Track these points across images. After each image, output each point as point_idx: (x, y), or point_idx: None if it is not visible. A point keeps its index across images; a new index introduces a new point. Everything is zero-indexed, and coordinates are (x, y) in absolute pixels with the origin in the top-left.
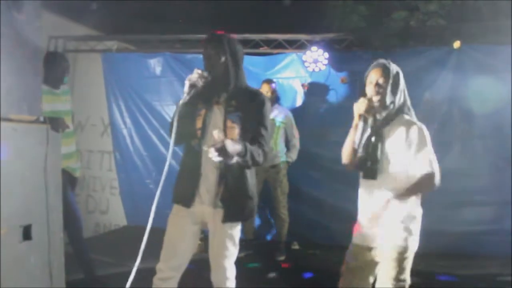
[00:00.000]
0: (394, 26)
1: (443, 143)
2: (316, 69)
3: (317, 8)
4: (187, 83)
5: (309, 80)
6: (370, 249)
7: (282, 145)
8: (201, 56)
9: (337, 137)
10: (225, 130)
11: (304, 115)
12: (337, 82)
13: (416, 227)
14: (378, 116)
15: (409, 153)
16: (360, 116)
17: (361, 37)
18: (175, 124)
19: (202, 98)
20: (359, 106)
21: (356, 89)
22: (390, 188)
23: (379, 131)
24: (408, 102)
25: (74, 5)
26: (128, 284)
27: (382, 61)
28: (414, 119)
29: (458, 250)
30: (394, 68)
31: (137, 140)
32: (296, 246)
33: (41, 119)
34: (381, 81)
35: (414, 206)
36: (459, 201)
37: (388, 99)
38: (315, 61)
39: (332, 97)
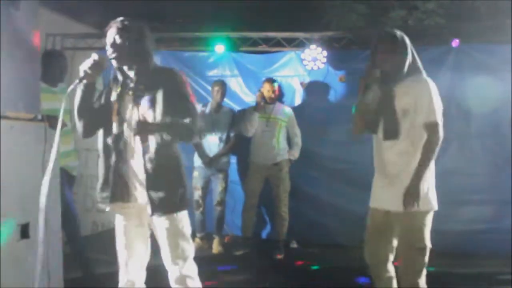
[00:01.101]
0: (393, 25)
1: (442, 142)
2: (315, 68)
3: (316, 6)
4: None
5: (307, 78)
6: (387, 212)
7: (284, 143)
8: (199, 54)
9: (335, 136)
10: (138, 117)
11: (302, 114)
12: (335, 81)
13: (432, 185)
14: (387, 79)
15: (419, 107)
16: (367, 86)
17: (360, 36)
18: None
19: (113, 89)
20: (366, 78)
21: (355, 87)
22: (409, 149)
23: (390, 92)
24: (418, 64)
25: (71, 3)
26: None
27: (388, 29)
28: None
29: (457, 249)
30: (400, 34)
31: None
32: (294, 245)
33: (39, 117)
34: (388, 48)
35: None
36: (458, 200)
37: (397, 66)
38: (314, 60)
39: (330, 95)
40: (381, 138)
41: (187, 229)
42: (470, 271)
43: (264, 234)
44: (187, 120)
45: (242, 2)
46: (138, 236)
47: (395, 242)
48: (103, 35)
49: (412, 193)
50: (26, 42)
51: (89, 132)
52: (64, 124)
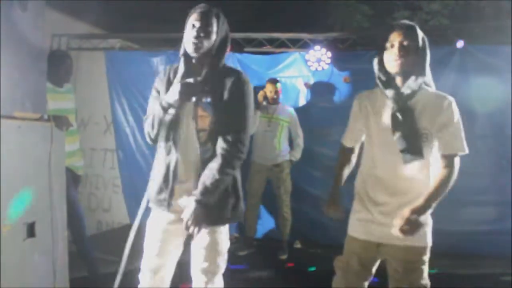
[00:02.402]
0: None
1: None
2: (319, 68)
3: (320, 7)
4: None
5: (312, 79)
6: (378, 245)
7: (285, 144)
8: None
9: (339, 137)
10: (196, 119)
11: (306, 114)
12: (340, 82)
13: (430, 219)
14: (402, 89)
15: (440, 128)
16: None
17: (364, 37)
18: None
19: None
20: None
21: (359, 88)
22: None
23: (405, 105)
24: (429, 76)
25: (77, 3)
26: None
27: (405, 21)
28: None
29: (459, 250)
30: (419, 30)
31: (140, 138)
32: (298, 245)
33: (45, 117)
34: (406, 42)
35: None
36: (460, 201)
37: (417, 66)
38: (318, 60)
39: (335, 96)
40: (395, 160)
41: (226, 243)
42: (473, 272)
43: (268, 235)
44: (233, 137)
45: (246, 3)
46: (174, 242)
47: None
48: (107, 36)
49: (415, 222)
50: (33, 42)
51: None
52: (70, 124)
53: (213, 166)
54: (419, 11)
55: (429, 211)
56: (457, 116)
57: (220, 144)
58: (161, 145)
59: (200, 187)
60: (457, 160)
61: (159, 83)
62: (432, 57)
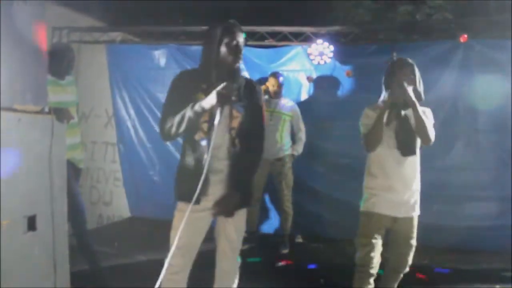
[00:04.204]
0: (400, 20)
1: (447, 137)
2: (321, 62)
3: (323, 1)
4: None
5: (314, 73)
6: (394, 218)
7: (287, 138)
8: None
9: (341, 131)
10: (230, 119)
11: (308, 108)
12: (342, 76)
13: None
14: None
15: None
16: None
17: (367, 31)
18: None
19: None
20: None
21: (362, 82)
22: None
23: (404, 114)
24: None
25: None
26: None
27: (404, 59)
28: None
29: (460, 245)
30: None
31: (141, 132)
32: (300, 240)
33: (46, 109)
34: (410, 75)
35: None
36: (462, 196)
37: (418, 92)
38: (321, 54)
39: (337, 90)
40: (397, 153)
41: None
42: (474, 268)
43: (269, 229)
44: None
45: None
46: (202, 228)
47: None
48: (108, 29)
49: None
50: (33, 35)
51: (175, 138)
52: (71, 117)
53: (244, 158)
54: (423, 5)
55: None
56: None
57: (248, 140)
58: (190, 143)
59: (233, 178)
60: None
61: (182, 86)
62: (436, 51)
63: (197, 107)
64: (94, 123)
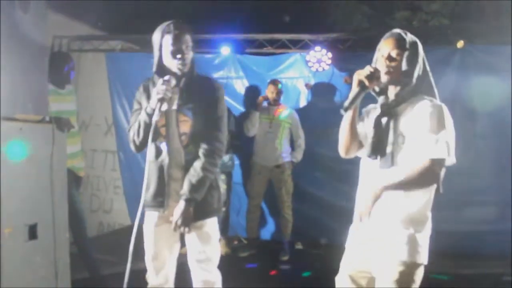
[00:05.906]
0: (397, 26)
1: None
2: (320, 69)
3: (321, 8)
4: (155, 97)
5: (312, 80)
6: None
7: (287, 145)
8: (205, 56)
9: None
10: (177, 124)
11: (307, 115)
12: (340, 82)
13: (424, 236)
14: (389, 94)
15: (424, 134)
16: (359, 82)
17: (365, 37)
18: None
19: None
20: (361, 72)
21: None
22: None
23: (390, 111)
24: (431, 80)
25: (78, 5)
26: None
27: (396, 30)
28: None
29: (460, 250)
30: (410, 37)
31: None
32: (299, 246)
33: (47, 118)
34: (394, 53)
35: (423, 208)
36: (462, 201)
37: (403, 75)
38: (319, 61)
39: (335, 97)
40: (378, 166)
41: (217, 234)
42: (474, 272)
43: (269, 236)
44: (211, 145)
45: (247, 4)
46: (169, 239)
47: None
48: (108, 37)
49: None
50: (34, 44)
51: (144, 147)
52: (71, 126)
53: (197, 165)
54: (419, 11)
55: None
56: (445, 121)
57: (201, 145)
58: (150, 150)
59: (186, 185)
60: (442, 161)
61: (140, 96)
62: (433, 57)
63: (148, 109)
64: (94, 132)
